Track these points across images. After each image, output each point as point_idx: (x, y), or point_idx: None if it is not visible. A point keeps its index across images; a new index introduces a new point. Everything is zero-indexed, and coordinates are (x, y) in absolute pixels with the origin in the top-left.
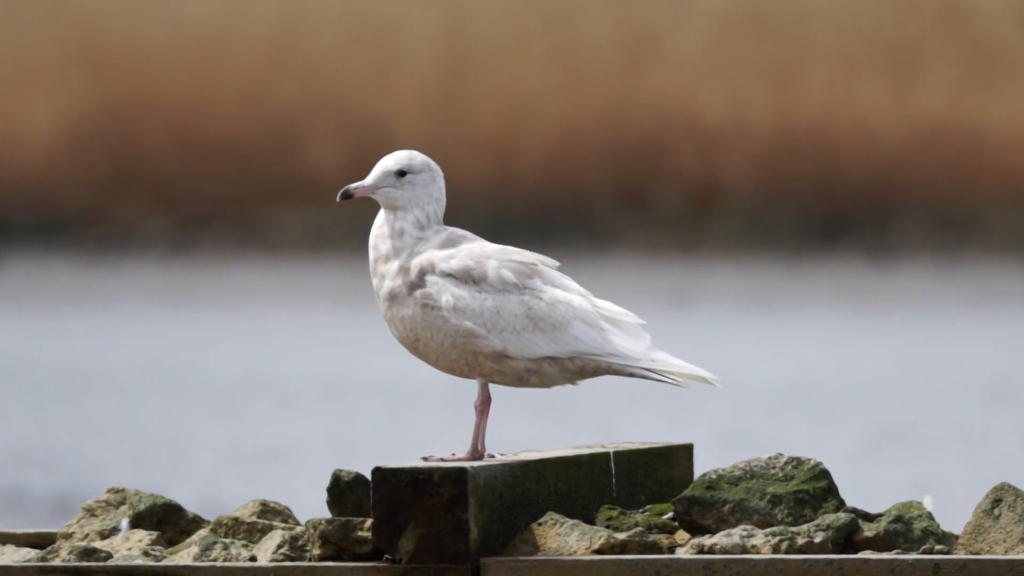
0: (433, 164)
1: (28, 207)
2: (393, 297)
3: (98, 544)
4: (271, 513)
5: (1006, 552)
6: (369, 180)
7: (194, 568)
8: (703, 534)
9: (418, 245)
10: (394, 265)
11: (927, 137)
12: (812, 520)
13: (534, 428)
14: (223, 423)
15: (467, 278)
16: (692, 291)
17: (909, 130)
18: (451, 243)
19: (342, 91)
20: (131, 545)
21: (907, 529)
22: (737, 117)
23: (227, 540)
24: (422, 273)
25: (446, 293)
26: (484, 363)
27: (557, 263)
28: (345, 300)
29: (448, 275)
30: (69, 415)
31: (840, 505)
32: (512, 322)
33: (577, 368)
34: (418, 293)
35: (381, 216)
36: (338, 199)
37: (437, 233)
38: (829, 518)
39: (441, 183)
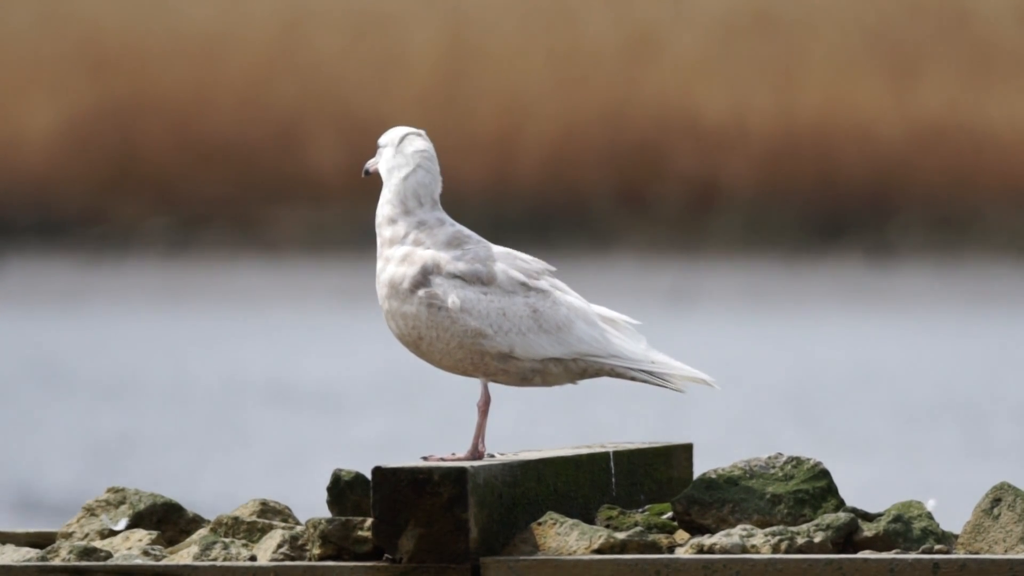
0: (399, 139)
1: (28, 207)
2: (394, 287)
3: (98, 544)
4: (271, 512)
5: (1006, 552)
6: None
7: (194, 568)
8: (703, 534)
9: (420, 231)
10: (399, 251)
11: (927, 137)
12: (812, 520)
13: (533, 427)
14: (223, 422)
15: (475, 279)
16: (692, 291)
17: (909, 130)
18: (456, 242)
19: (342, 91)
20: (131, 545)
21: (907, 529)
22: (737, 117)
23: (227, 539)
24: (426, 272)
25: (452, 293)
26: (490, 363)
27: (554, 268)
28: (345, 300)
29: (455, 276)
30: (68, 414)
31: (840, 505)
32: (518, 323)
33: (580, 369)
34: (422, 292)
35: (379, 200)
36: (362, 175)
37: (441, 224)
38: (829, 518)
39: (406, 160)
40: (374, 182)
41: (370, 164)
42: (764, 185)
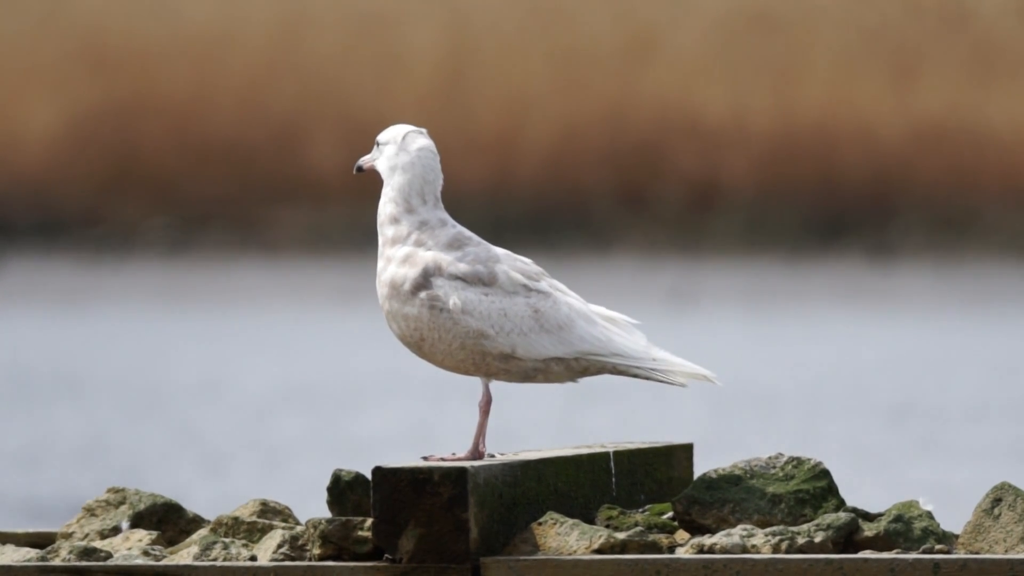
0: (401, 137)
1: (28, 207)
2: (395, 289)
3: (98, 544)
4: (271, 512)
5: (1006, 552)
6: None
7: (194, 568)
8: (703, 534)
9: (422, 232)
10: (401, 251)
11: (927, 137)
12: (812, 520)
13: (533, 427)
14: (223, 422)
15: (476, 280)
16: (692, 291)
17: (909, 130)
18: (458, 244)
19: (342, 92)
20: (131, 545)
21: (907, 529)
22: (737, 117)
23: (227, 540)
24: (427, 274)
25: (454, 295)
26: (491, 363)
27: (547, 275)
28: (345, 300)
29: (456, 278)
30: (68, 415)
31: (840, 505)
32: (519, 324)
33: (582, 368)
34: (424, 294)
35: (381, 199)
36: (354, 172)
37: (443, 225)
38: (829, 518)
39: (409, 158)
40: (374, 181)
41: (363, 161)
42: (764, 185)
